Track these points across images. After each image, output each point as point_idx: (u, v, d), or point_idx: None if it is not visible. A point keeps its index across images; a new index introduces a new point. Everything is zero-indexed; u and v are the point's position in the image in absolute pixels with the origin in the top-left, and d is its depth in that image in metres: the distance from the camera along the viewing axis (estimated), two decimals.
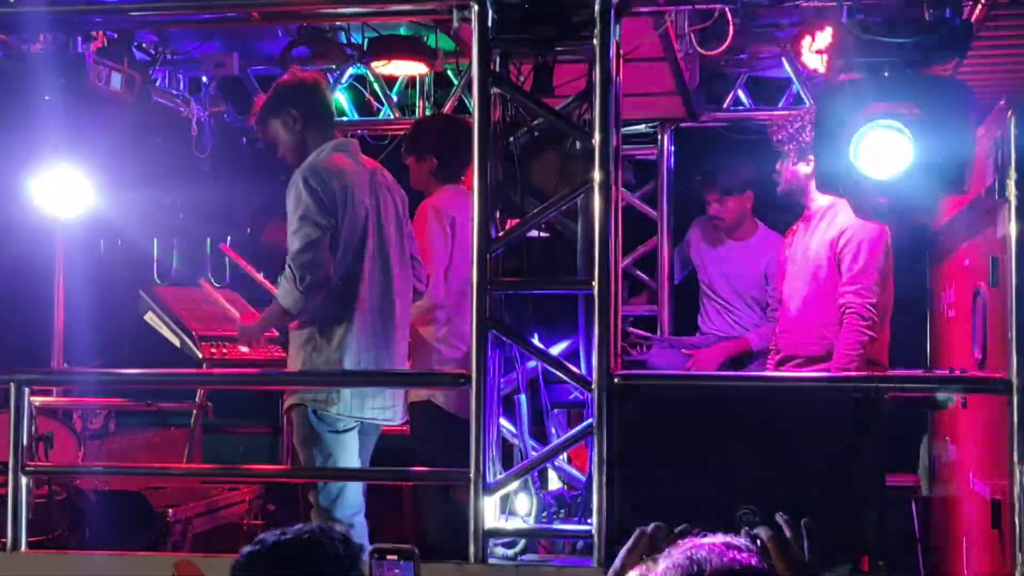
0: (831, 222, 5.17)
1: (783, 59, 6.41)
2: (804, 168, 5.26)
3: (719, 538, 1.96)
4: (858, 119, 4.13)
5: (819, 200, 5.27)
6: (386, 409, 4.87)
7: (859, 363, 4.99)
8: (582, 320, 4.64)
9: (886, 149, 4.14)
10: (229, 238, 10.19)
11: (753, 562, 1.92)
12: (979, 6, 4.37)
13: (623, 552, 2.29)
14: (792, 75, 6.56)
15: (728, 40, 5.34)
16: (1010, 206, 4.10)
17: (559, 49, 4.53)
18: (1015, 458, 4.07)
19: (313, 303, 4.67)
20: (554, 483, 4.81)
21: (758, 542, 2.11)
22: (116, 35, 5.65)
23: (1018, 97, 4.20)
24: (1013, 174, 4.09)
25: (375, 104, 7.19)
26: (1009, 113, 4.12)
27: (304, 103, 4.88)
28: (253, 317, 5.18)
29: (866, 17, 4.27)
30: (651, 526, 2.29)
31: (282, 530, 2.39)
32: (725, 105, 6.86)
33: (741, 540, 1.97)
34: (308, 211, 4.64)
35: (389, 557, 2.73)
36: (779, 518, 2.20)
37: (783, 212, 5.73)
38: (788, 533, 2.17)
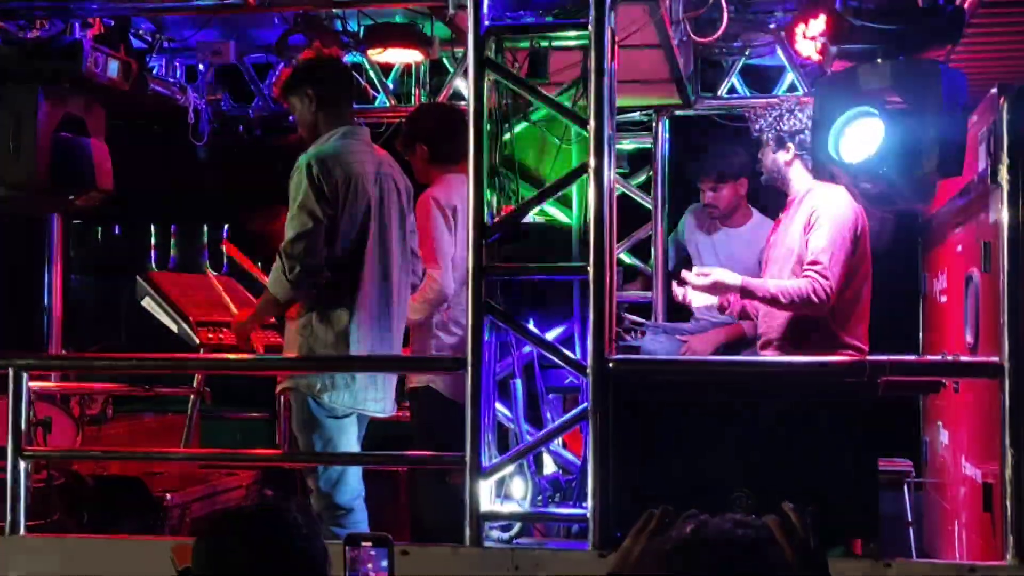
0: (805, 207, 5.20)
1: (777, 47, 6.43)
2: (783, 156, 5.29)
3: (728, 516, 1.99)
4: (845, 108, 4.19)
5: (797, 186, 5.30)
6: (378, 401, 4.88)
7: (784, 302, 5.00)
8: (577, 306, 4.68)
9: (861, 135, 4.22)
10: (227, 228, 10.22)
11: (761, 538, 1.95)
12: None
13: (631, 534, 2.32)
14: (786, 63, 6.58)
15: (723, 27, 5.36)
16: (1002, 192, 4.13)
17: (554, 35, 4.56)
18: (1007, 442, 4.10)
19: (303, 293, 4.68)
20: (549, 467, 4.84)
21: (766, 530, 2.13)
22: (113, 22, 5.67)
23: (1010, 84, 4.22)
24: (1005, 160, 4.12)
25: (371, 92, 7.20)
26: (1001, 100, 4.15)
27: (321, 83, 4.86)
28: (249, 311, 5.17)
29: (859, 4, 4.30)
30: (660, 509, 2.32)
31: (241, 505, 2.41)
32: (720, 93, 6.88)
33: (751, 519, 2.00)
34: (307, 200, 4.65)
35: (364, 544, 2.74)
36: (786, 506, 2.22)
37: (778, 198, 5.75)
38: (795, 520, 2.19)
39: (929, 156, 4.11)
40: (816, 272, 4.98)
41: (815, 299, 4.95)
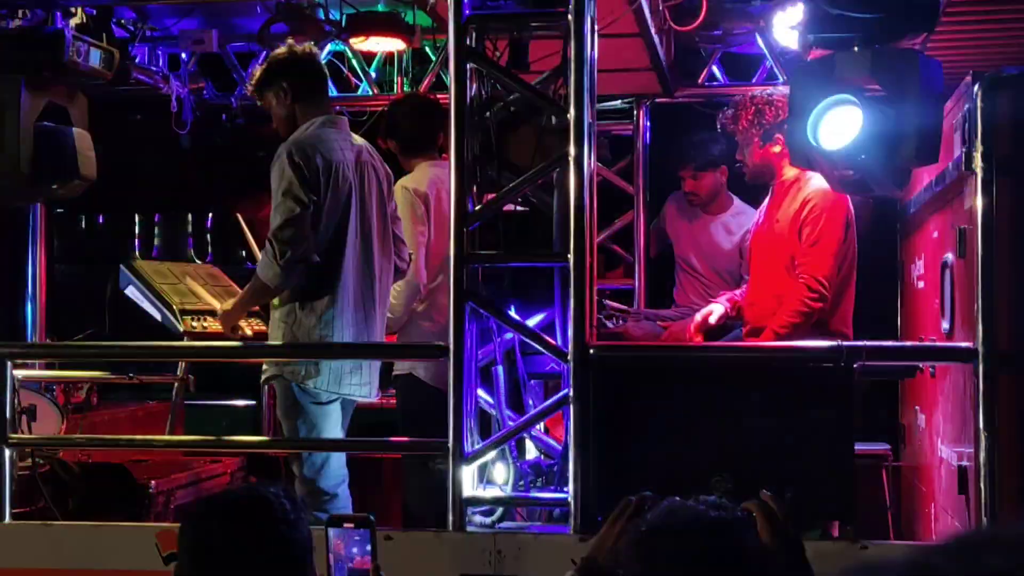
0: (795, 195, 5.26)
1: (756, 35, 6.47)
2: (774, 148, 5.34)
3: (703, 499, 2.03)
4: (823, 96, 4.23)
5: (787, 174, 5.36)
6: (363, 386, 4.91)
7: (791, 332, 5.08)
8: (558, 292, 4.71)
9: (842, 124, 4.26)
10: (211, 216, 10.22)
11: (735, 520, 1.99)
12: None
13: (609, 520, 2.35)
14: (765, 51, 6.62)
15: (701, 16, 5.40)
16: (976, 178, 4.19)
17: (534, 25, 4.59)
18: (980, 425, 4.16)
19: (293, 279, 4.71)
20: (531, 452, 4.88)
21: (743, 514, 2.18)
22: (95, 11, 5.68)
23: (984, 71, 4.27)
24: (979, 146, 4.17)
25: (353, 80, 7.23)
26: (975, 87, 4.20)
27: (296, 77, 4.89)
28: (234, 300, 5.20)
29: None
30: (637, 496, 2.36)
31: (227, 490, 2.45)
32: (700, 81, 6.92)
33: (725, 503, 2.05)
34: (291, 186, 4.68)
35: (346, 525, 2.76)
36: (764, 493, 2.27)
37: (758, 186, 5.81)
38: (773, 506, 2.24)
39: (906, 144, 4.16)
40: (804, 280, 5.07)
41: (812, 307, 5.04)
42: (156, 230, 11.89)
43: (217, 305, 5.17)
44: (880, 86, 4.21)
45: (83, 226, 11.69)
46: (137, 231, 11.87)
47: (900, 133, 4.15)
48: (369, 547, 2.73)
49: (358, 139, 5.03)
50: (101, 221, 11.74)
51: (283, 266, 4.64)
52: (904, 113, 4.14)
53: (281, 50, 5.00)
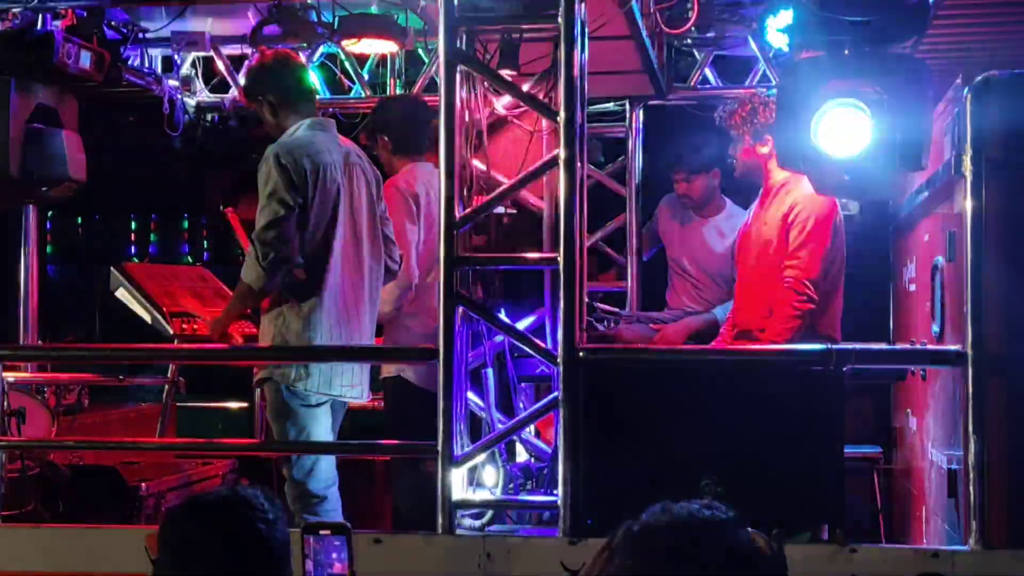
0: (783, 199, 5.27)
1: (749, 37, 6.47)
2: (762, 148, 5.35)
3: (695, 500, 2.03)
4: (819, 96, 4.22)
5: (775, 177, 5.37)
6: (354, 387, 4.91)
7: (788, 336, 5.08)
8: (548, 295, 4.72)
9: (846, 128, 4.23)
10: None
11: (727, 518, 1.99)
12: None
13: (595, 556, 2.35)
14: (758, 53, 6.62)
15: (693, 18, 5.40)
16: (966, 181, 4.18)
17: (525, 27, 4.58)
18: (970, 428, 4.16)
19: (277, 280, 4.70)
20: (521, 455, 4.88)
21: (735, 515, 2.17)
22: (86, 13, 5.68)
23: (974, 75, 4.27)
24: (969, 150, 4.17)
25: (346, 82, 7.22)
26: (965, 91, 4.20)
27: (273, 85, 4.90)
28: (223, 305, 5.20)
29: None
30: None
31: (207, 491, 2.45)
32: (692, 83, 6.92)
33: (716, 503, 2.05)
34: (276, 188, 4.68)
35: (322, 532, 2.76)
36: (754, 533, 2.25)
37: (751, 189, 5.82)
38: (762, 544, 2.22)
39: (894, 149, 4.16)
40: (789, 284, 5.07)
41: (803, 309, 5.05)
42: (152, 232, 11.89)
43: (202, 312, 5.18)
44: (874, 89, 4.20)
45: (79, 228, 11.69)
46: (133, 233, 11.87)
47: (887, 140, 4.15)
48: (346, 554, 2.73)
49: (346, 141, 5.04)
50: (96, 221, 11.74)
51: (266, 268, 4.64)
52: (890, 120, 4.13)
53: (254, 61, 5.02)
